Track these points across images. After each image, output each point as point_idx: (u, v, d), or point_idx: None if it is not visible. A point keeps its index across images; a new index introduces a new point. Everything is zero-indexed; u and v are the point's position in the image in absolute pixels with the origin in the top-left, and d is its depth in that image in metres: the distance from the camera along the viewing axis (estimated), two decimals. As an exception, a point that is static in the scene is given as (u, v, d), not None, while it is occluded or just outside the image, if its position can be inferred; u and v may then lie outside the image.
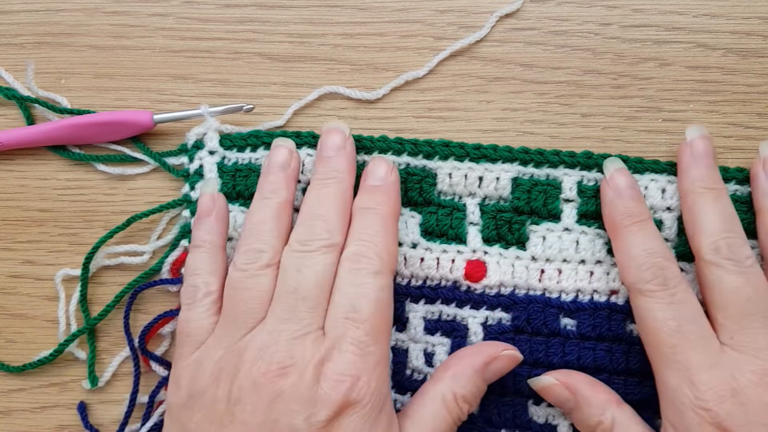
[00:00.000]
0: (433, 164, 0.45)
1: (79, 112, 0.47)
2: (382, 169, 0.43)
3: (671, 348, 0.39)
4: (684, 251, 0.44)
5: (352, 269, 0.40)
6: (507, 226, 0.45)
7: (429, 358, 0.44)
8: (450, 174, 0.45)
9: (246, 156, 0.46)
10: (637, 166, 0.44)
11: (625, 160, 0.44)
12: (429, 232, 0.45)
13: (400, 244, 0.45)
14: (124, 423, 0.46)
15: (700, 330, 0.39)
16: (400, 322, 0.45)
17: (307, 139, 0.46)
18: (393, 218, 0.42)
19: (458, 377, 0.41)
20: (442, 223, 0.45)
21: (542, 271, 0.44)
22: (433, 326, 0.44)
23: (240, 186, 0.46)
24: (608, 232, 0.43)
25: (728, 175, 0.44)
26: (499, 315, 0.44)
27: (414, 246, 0.45)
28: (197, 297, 0.42)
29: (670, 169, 0.44)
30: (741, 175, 0.44)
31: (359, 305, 0.39)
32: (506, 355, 0.42)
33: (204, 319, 0.41)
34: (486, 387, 0.42)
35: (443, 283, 0.45)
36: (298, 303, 0.39)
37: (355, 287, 0.39)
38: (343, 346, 0.38)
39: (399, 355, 0.45)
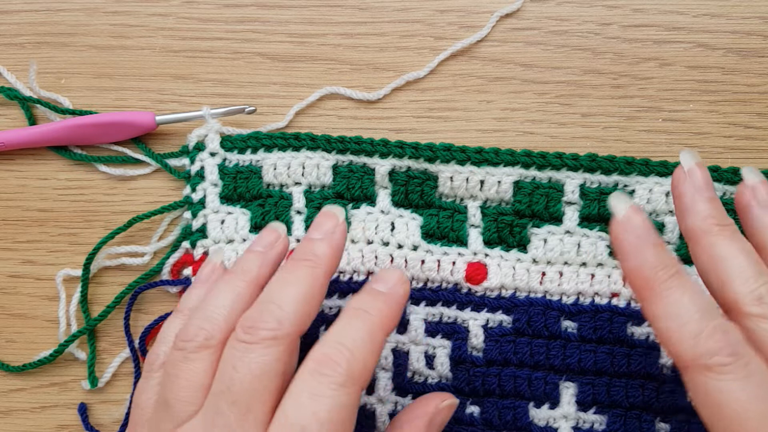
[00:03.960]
0: (435, 167, 0.45)
1: (81, 113, 0.47)
2: (394, 276, 0.37)
3: None
4: (686, 254, 0.44)
5: (314, 372, 0.33)
6: (508, 228, 0.45)
7: (430, 360, 0.44)
8: (451, 177, 0.45)
9: (247, 158, 0.46)
10: (642, 168, 0.44)
11: (631, 161, 0.44)
12: (430, 235, 0.45)
13: (400, 247, 0.45)
14: (125, 424, 0.46)
15: None
16: (401, 324, 0.45)
17: (306, 142, 0.46)
18: (383, 332, 0.35)
19: None
20: (443, 225, 0.45)
21: (543, 274, 0.44)
22: (434, 328, 0.44)
23: (241, 188, 0.46)
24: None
25: (724, 175, 0.44)
26: (500, 317, 0.44)
27: (415, 248, 0.45)
28: (154, 368, 0.38)
29: None
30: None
31: (310, 425, 0.32)
32: (446, 405, 0.39)
33: (153, 395, 0.37)
34: None
35: (444, 285, 0.45)
36: (226, 407, 0.33)
37: (310, 398, 0.32)
38: None
39: (400, 358, 0.45)
